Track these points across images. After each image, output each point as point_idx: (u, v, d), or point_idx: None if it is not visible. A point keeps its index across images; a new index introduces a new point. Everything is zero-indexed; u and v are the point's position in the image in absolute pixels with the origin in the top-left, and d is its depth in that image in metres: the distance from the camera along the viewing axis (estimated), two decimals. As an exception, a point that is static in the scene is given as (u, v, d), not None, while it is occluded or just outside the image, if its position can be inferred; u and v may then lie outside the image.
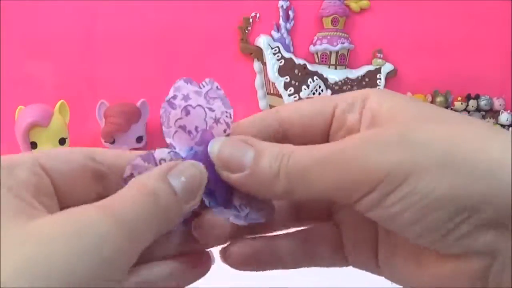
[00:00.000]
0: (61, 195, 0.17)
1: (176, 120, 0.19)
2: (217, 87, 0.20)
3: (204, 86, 0.20)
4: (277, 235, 0.22)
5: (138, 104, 0.88)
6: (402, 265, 0.19)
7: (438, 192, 0.15)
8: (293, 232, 0.23)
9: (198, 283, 0.46)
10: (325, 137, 0.20)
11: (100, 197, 0.18)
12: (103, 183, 0.19)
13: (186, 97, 0.20)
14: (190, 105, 0.19)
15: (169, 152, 0.19)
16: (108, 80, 0.95)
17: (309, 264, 0.22)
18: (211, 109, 0.20)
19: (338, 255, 0.22)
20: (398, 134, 0.16)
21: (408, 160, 0.15)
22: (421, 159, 0.15)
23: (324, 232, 0.22)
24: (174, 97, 0.20)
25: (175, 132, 0.19)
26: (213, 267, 0.54)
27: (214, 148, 0.19)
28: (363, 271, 0.54)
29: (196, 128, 0.19)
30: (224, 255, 0.22)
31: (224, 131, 0.20)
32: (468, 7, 1.05)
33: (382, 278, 0.48)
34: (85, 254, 0.13)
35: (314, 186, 0.17)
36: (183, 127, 0.19)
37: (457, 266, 0.16)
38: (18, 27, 0.91)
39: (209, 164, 0.19)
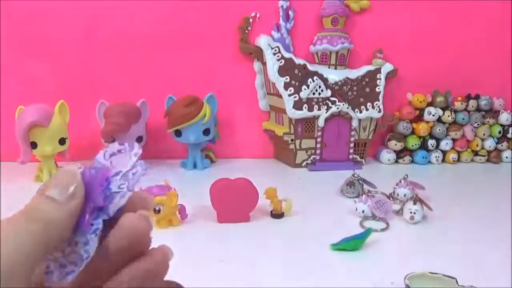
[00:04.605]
0: None
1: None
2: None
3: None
4: None
5: (138, 104, 0.88)
6: None
7: None
8: None
9: (198, 284, 0.46)
10: None
11: None
12: None
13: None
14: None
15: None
16: (108, 80, 0.95)
17: None
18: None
19: None
20: None
21: None
22: None
23: None
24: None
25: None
26: (214, 268, 0.54)
27: None
28: (363, 271, 0.54)
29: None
30: None
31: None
32: (468, 7, 1.05)
33: (382, 278, 0.48)
34: None
35: None
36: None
37: None
38: (18, 27, 0.91)
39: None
